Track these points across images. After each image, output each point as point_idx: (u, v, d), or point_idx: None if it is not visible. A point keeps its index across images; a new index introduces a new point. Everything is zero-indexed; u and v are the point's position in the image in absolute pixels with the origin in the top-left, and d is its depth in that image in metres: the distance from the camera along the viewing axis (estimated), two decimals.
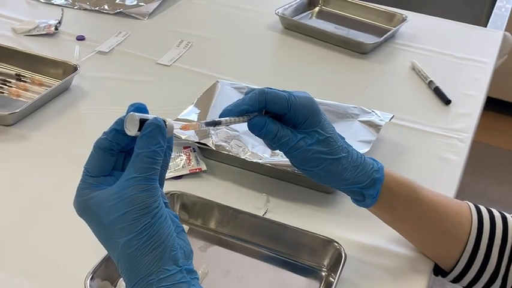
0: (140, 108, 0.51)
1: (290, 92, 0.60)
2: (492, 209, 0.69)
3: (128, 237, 0.47)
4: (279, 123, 0.59)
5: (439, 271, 0.71)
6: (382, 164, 0.65)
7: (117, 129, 0.50)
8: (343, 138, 0.64)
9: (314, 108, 0.60)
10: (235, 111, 0.59)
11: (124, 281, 0.49)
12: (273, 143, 0.60)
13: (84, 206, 0.50)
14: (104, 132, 0.51)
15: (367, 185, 0.63)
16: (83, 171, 0.51)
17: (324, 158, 0.60)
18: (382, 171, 0.64)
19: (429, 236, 0.69)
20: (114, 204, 0.48)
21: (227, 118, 0.58)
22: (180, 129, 0.54)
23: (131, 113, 0.49)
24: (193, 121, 0.53)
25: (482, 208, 0.69)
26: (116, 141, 0.51)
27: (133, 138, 0.50)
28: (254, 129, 0.59)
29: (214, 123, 0.57)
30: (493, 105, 2.33)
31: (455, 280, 0.69)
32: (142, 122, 0.49)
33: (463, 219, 0.67)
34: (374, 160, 0.65)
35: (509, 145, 2.38)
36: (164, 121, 0.50)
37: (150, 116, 0.50)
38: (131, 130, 0.49)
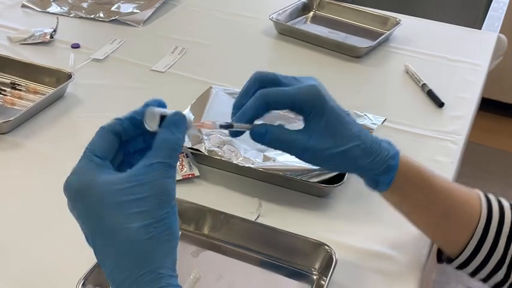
0: (161, 103, 0.50)
1: (293, 83, 0.60)
2: (501, 199, 0.69)
3: (144, 223, 0.44)
4: (280, 128, 0.59)
5: (442, 258, 0.70)
6: (397, 149, 0.64)
7: (135, 118, 0.49)
8: (356, 124, 0.62)
9: (318, 99, 0.59)
10: (244, 120, 0.59)
11: (115, 273, 0.44)
12: (276, 149, 0.60)
13: (85, 187, 0.46)
14: (118, 118, 0.49)
15: (381, 172, 0.62)
16: (86, 152, 0.48)
17: (333, 152, 0.59)
18: (397, 157, 0.63)
19: (438, 223, 0.68)
20: (129, 187, 0.44)
21: (239, 124, 0.58)
22: (196, 125, 0.55)
23: (151, 107, 0.48)
24: (209, 121, 0.55)
25: (492, 197, 0.68)
26: (128, 129, 0.49)
27: (139, 137, 0.50)
28: (255, 139, 0.59)
29: (227, 126, 0.58)
30: (493, 107, 2.33)
31: (461, 267, 0.68)
32: (162, 118, 0.48)
33: (473, 207, 0.66)
34: (390, 144, 0.64)
35: (507, 147, 2.38)
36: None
37: (168, 111, 0.49)
38: (151, 125, 0.48)
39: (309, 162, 0.62)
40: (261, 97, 0.58)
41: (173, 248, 0.45)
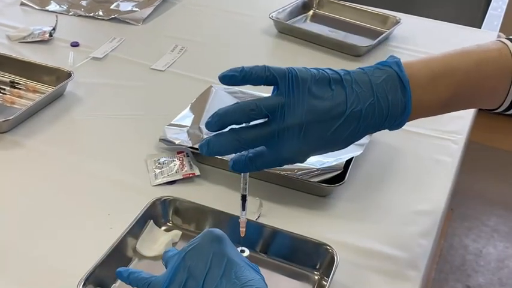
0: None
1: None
2: None
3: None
4: (256, 156, 0.59)
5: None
6: (408, 108, 0.58)
7: None
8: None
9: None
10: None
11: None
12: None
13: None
14: None
15: (390, 128, 0.60)
16: None
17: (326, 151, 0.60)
18: (405, 118, 0.59)
19: (471, 103, 0.66)
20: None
21: (241, 184, 0.63)
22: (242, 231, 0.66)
23: None
24: (241, 221, 0.66)
25: None
26: None
27: None
28: (239, 170, 0.61)
29: (244, 199, 0.65)
30: None
31: (507, 109, 0.66)
32: None
33: (502, 59, 0.62)
34: (396, 93, 0.58)
35: (507, 146, 2.38)
36: None
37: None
38: None
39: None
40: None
41: None
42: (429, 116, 0.63)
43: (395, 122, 0.60)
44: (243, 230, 0.65)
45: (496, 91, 0.63)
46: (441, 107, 0.62)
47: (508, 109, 0.66)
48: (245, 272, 0.54)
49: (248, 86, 0.82)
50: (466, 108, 0.67)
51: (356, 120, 0.57)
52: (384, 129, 0.61)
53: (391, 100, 0.58)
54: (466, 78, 0.62)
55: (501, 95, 0.63)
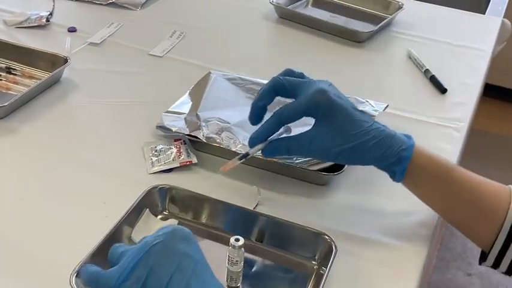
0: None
1: (303, 89, 0.67)
2: None
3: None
4: (286, 140, 0.68)
5: (481, 263, 0.70)
6: (413, 142, 0.67)
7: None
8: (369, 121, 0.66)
9: (326, 102, 0.65)
10: (263, 139, 0.69)
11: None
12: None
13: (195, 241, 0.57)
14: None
15: (394, 163, 0.66)
16: None
17: (340, 149, 0.65)
18: (411, 149, 0.66)
19: (461, 216, 0.68)
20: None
21: (253, 149, 0.69)
22: (221, 170, 0.70)
23: None
24: (230, 161, 0.71)
25: None
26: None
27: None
28: (269, 155, 0.70)
29: (245, 156, 0.70)
30: (495, 92, 2.31)
31: (494, 265, 0.67)
32: None
33: (501, 202, 0.65)
34: (408, 137, 0.68)
35: (510, 132, 2.36)
36: None
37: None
38: None
39: (319, 159, 0.73)
40: (276, 117, 0.67)
41: None
42: (427, 180, 0.68)
43: (399, 148, 0.66)
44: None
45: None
46: (437, 174, 0.67)
47: (495, 265, 0.67)
48: (214, 277, 0.55)
49: (247, 73, 0.81)
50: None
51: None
52: (383, 160, 0.67)
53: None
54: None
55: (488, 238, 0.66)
